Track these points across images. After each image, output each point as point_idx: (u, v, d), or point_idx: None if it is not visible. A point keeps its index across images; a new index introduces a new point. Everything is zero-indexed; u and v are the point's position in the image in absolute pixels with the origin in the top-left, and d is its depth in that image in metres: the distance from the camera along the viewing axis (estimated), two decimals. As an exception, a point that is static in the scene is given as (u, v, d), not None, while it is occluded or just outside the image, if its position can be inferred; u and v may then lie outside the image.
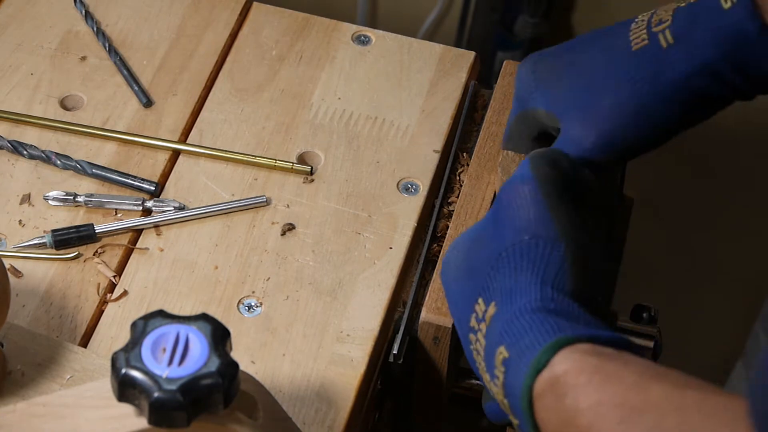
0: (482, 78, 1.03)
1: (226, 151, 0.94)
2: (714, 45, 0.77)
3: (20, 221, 0.90)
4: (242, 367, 0.66)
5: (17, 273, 0.87)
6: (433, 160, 0.95)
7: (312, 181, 0.93)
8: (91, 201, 0.91)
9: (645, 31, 0.81)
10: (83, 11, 1.02)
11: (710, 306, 1.78)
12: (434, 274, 0.87)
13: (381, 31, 1.03)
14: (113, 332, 0.85)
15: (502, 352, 0.70)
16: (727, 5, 0.77)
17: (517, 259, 0.73)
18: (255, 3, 1.05)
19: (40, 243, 0.88)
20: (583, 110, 0.82)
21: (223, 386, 0.64)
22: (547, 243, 0.73)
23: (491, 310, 0.73)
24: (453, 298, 0.79)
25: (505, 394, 0.70)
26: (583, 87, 0.83)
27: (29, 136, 0.95)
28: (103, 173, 0.92)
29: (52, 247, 0.88)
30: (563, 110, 0.83)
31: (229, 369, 0.65)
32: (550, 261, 0.73)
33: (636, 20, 0.83)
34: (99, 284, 0.87)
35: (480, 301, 0.74)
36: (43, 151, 0.93)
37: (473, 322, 0.74)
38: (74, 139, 0.95)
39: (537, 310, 0.71)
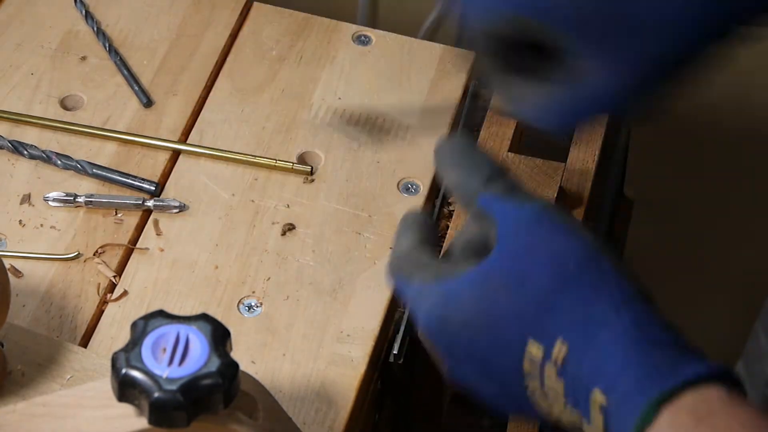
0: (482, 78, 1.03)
1: (226, 151, 0.94)
2: None
3: (20, 221, 0.90)
4: (242, 367, 0.66)
5: (17, 273, 0.87)
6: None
7: (312, 181, 0.93)
8: (91, 201, 0.91)
9: None
10: (83, 11, 1.02)
11: (710, 306, 1.78)
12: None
13: (381, 31, 1.03)
14: (113, 332, 0.85)
15: (597, 398, 0.64)
16: None
17: (580, 287, 0.66)
18: (255, 3, 1.05)
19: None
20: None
21: (223, 386, 0.64)
22: (600, 261, 0.66)
23: (561, 348, 0.66)
24: (476, 351, 0.69)
25: None
26: None
27: (29, 136, 0.95)
28: (104, 173, 0.92)
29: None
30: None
31: (229, 369, 0.65)
32: (613, 280, 0.65)
33: None
34: (99, 284, 0.87)
35: (532, 342, 0.67)
36: (43, 151, 0.93)
37: (528, 367, 0.67)
38: (74, 139, 0.95)
39: (628, 341, 0.64)
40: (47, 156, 0.93)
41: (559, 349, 0.65)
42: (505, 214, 0.68)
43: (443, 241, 0.90)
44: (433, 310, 0.69)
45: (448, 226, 0.91)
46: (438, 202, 0.93)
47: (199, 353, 0.65)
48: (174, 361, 0.65)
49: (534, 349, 0.67)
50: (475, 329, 0.69)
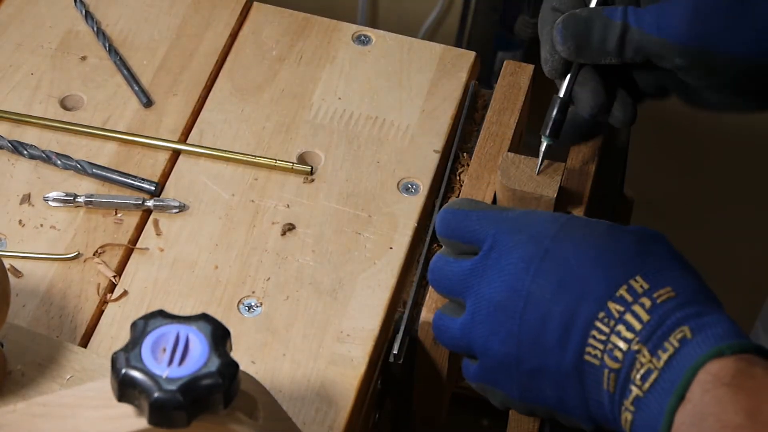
0: (482, 78, 1.03)
1: (226, 151, 0.94)
2: None
3: (20, 221, 0.90)
4: (242, 367, 0.66)
5: (17, 273, 0.87)
6: (434, 160, 0.95)
7: (312, 181, 0.93)
8: (91, 201, 0.91)
9: None
10: (83, 11, 1.02)
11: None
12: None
13: (381, 31, 1.03)
14: (113, 332, 0.85)
15: (684, 331, 0.70)
16: None
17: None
18: (255, 3, 1.05)
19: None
20: None
21: (223, 386, 0.64)
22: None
23: (667, 289, 0.73)
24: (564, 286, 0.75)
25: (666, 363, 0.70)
26: None
27: (29, 136, 0.95)
28: (104, 173, 0.92)
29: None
30: None
31: (229, 369, 0.65)
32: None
33: None
34: (99, 284, 0.87)
35: (633, 281, 0.73)
36: (43, 151, 0.93)
37: (616, 306, 0.73)
38: (74, 139, 0.95)
39: (712, 297, 0.73)
40: (47, 156, 0.93)
41: (667, 290, 0.72)
42: None
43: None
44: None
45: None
46: (438, 202, 0.93)
47: (199, 353, 0.65)
48: (174, 361, 0.65)
49: (636, 285, 0.72)
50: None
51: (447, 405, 0.93)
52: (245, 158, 0.94)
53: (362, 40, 1.02)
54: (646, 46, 0.81)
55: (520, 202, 0.88)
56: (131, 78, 0.98)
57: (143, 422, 0.65)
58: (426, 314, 0.84)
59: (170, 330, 0.66)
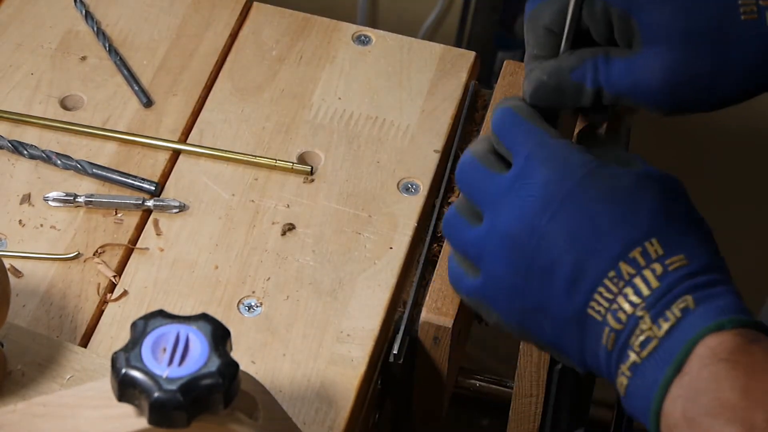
0: (482, 78, 1.03)
1: (226, 151, 0.94)
2: None
3: (20, 221, 0.90)
4: (242, 367, 0.66)
5: (17, 273, 0.87)
6: (434, 160, 0.95)
7: (312, 181, 0.93)
8: (91, 201, 0.91)
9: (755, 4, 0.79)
10: (83, 11, 1.02)
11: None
12: (434, 274, 0.87)
13: (381, 31, 1.03)
14: (113, 332, 0.85)
15: (686, 300, 0.70)
16: None
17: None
18: (255, 3, 1.05)
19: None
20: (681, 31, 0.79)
21: (223, 386, 0.64)
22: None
23: (681, 256, 0.73)
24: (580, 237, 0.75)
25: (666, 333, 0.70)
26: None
27: (29, 135, 0.95)
28: (104, 173, 0.92)
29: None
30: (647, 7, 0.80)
31: (229, 369, 0.65)
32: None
33: None
34: (99, 284, 0.87)
35: (649, 244, 0.73)
36: (43, 151, 0.93)
37: (626, 268, 0.73)
38: (74, 139, 0.95)
39: (724, 271, 0.74)
40: (47, 156, 0.93)
41: (680, 258, 0.72)
42: None
43: (443, 241, 0.90)
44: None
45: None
46: (438, 202, 0.93)
47: (199, 353, 0.65)
48: (174, 361, 0.65)
49: (651, 249, 0.72)
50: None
51: (447, 405, 0.93)
52: (245, 158, 0.94)
53: (362, 40, 1.02)
54: (622, 101, 0.82)
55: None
56: (131, 78, 0.98)
57: (143, 422, 0.65)
58: (426, 314, 0.84)
59: (170, 330, 0.66)
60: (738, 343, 0.68)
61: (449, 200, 0.93)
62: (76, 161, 0.92)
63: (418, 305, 0.87)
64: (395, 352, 0.85)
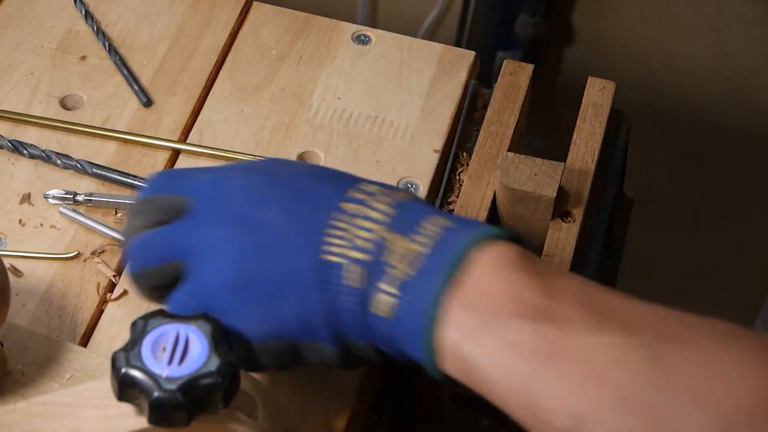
0: (482, 78, 1.03)
1: (226, 150, 0.94)
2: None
3: (20, 221, 0.90)
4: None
5: (17, 273, 0.87)
6: (433, 159, 0.95)
7: (312, 180, 0.93)
8: (91, 200, 0.91)
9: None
10: (83, 11, 1.02)
11: (710, 305, 1.78)
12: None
13: (381, 31, 1.03)
14: (113, 332, 0.85)
15: (439, 220, 0.67)
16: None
17: None
18: (255, 3, 1.05)
19: None
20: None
21: (223, 386, 0.64)
22: None
23: (403, 195, 0.70)
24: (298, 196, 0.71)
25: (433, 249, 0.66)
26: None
27: (29, 135, 0.95)
28: (104, 173, 0.92)
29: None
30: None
31: (229, 369, 0.65)
32: None
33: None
34: (99, 284, 0.87)
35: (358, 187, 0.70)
36: (43, 151, 0.93)
37: (356, 195, 0.70)
38: (74, 139, 0.95)
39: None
40: (47, 155, 0.93)
41: (404, 194, 0.70)
42: None
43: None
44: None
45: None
46: (438, 202, 0.93)
47: (198, 353, 0.65)
48: (174, 360, 0.65)
49: (367, 186, 0.70)
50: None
51: (447, 405, 0.93)
52: (245, 158, 0.94)
53: (362, 40, 1.02)
54: None
55: (520, 201, 0.88)
56: (131, 78, 0.98)
57: (143, 422, 0.65)
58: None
59: (170, 329, 0.66)
60: (520, 252, 0.65)
61: (449, 200, 0.93)
62: (76, 161, 0.93)
63: (417, 305, 0.87)
64: (395, 351, 0.85)
